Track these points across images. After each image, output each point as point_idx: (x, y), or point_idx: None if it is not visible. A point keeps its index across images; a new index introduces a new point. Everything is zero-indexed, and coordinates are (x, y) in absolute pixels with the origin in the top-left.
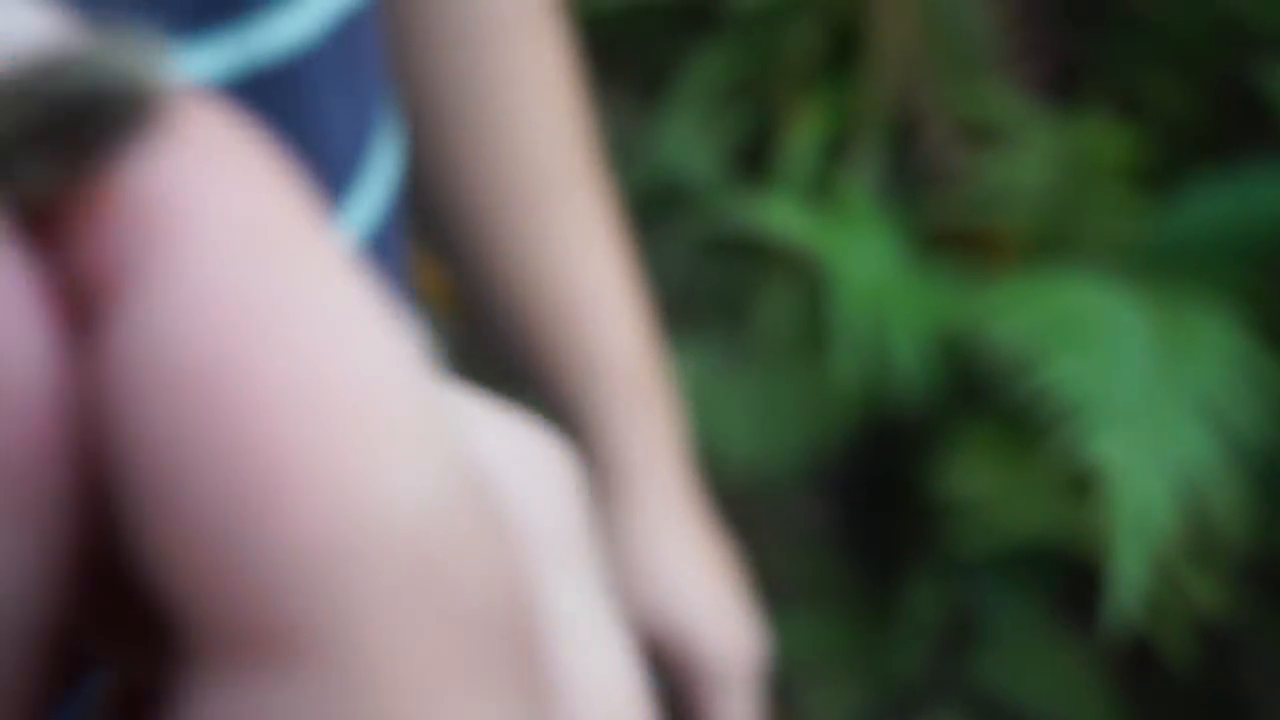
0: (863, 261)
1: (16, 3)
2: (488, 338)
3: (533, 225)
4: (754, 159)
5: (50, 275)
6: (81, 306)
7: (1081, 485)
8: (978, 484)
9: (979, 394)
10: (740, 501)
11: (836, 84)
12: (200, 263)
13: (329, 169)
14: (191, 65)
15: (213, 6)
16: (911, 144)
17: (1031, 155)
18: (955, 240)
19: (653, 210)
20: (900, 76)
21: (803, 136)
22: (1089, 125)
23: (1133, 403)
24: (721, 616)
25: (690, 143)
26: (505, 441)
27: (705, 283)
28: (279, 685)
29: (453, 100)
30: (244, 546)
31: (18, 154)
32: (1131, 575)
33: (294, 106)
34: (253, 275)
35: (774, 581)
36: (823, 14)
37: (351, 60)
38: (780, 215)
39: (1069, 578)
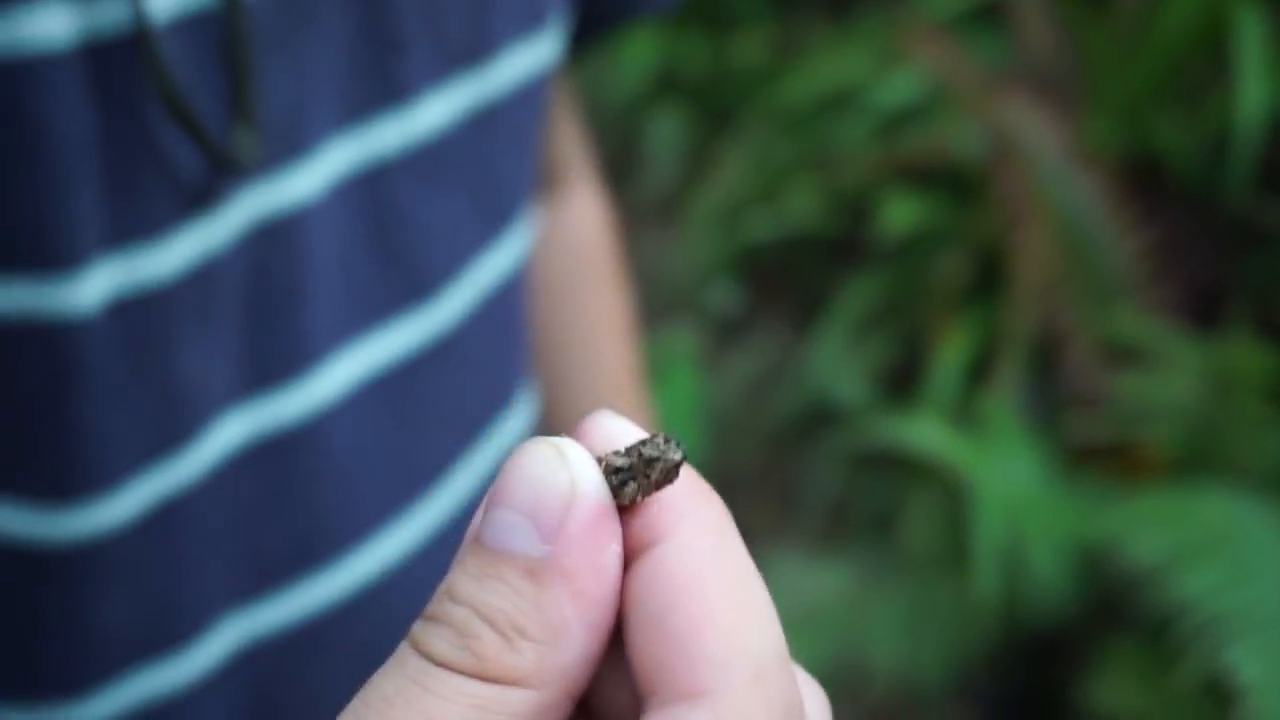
0: (1005, 478)
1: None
2: None
3: None
4: (902, 379)
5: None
6: (634, 541)
7: (1222, 698)
8: (1120, 696)
9: (1119, 607)
10: (887, 711)
11: (980, 308)
12: (690, 533)
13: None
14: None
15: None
16: (1053, 365)
17: (1171, 375)
18: (1096, 457)
19: (806, 427)
20: (1041, 301)
21: (948, 358)
22: (1229, 346)
23: (1269, 616)
24: None
25: (842, 364)
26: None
27: (854, 498)
28: (687, 710)
29: (542, 343)
30: (691, 648)
31: (629, 480)
32: None
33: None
34: (713, 544)
35: None
36: (967, 243)
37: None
38: (926, 433)
39: None
